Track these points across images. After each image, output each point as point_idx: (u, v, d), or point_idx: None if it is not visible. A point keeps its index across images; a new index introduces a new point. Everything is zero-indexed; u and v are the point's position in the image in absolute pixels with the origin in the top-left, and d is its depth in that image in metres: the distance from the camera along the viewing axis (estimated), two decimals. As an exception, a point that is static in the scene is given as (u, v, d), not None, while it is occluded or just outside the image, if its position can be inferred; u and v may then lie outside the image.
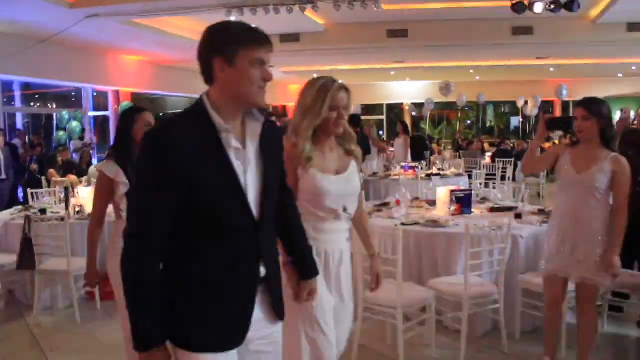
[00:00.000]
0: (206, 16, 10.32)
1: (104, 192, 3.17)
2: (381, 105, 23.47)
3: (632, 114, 12.59)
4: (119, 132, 3.30)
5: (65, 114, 11.67)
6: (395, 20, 11.86)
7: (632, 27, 11.67)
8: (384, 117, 23.74)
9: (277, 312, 1.90)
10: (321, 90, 2.52)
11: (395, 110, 23.39)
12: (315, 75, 13.32)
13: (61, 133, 11.11)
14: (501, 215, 4.70)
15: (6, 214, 5.83)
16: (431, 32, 12.17)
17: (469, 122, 23.36)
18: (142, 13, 9.63)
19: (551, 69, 17.47)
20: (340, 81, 2.57)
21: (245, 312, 1.79)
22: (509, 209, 5.02)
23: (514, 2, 8.92)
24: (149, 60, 14.56)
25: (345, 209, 2.57)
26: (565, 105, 21.44)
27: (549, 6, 8.63)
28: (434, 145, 15.39)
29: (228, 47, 1.72)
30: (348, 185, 2.60)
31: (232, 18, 9.38)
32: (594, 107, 3.29)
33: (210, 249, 1.73)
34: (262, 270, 1.82)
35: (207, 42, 1.78)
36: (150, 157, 1.69)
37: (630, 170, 3.28)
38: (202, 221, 1.72)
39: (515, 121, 23.34)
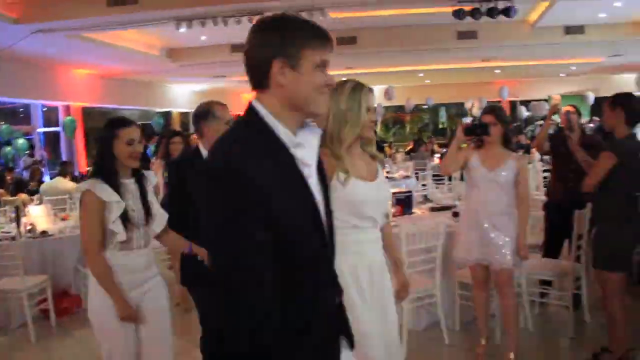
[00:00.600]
0: (154, 29, 10.41)
1: (98, 216, 2.73)
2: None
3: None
4: (98, 150, 2.91)
5: (4, 127, 11.50)
6: (344, 28, 12.15)
7: (569, 29, 12.24)
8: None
9: (350, 340, 1.69)
10: (354, 93, 2.46)
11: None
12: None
13: (8, 148, 10.95)
14: (440, 215, 4.98)
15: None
16: (379, 38, 12.52)
17: (419, 124, 23.85)
18: (90, 28, 9.63)
19: (497, 71, 18.07)
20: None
21: (334, 348, 1.59)
22: (448, 208, 5.30)
23: (455, 8, 9.32)
24: (99, 74, 14.45)
25: (387, 215, 2.67)
26: (513, 105, 22.17)
27: (487, 13, 9.01)
28: (387, 148, 15.71)
29: (292, 47, 1.47)
30: (382, 191, 2.62)
31: (182, 30, 9.49)
32: (499, 114, 3.77)
33: (291, 282, 1.45)
34: (337, 298, 1.65)
35: (263, 39, 1.50)
36: (234, 192, 1.37)
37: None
38: (283, 253, 1.43)
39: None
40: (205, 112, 3.19)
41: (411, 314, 4.26)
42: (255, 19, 9.31)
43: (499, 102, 20.60)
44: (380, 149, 12.65)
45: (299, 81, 1.48)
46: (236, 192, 1.36)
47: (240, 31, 10.26)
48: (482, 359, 3.88)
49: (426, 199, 6.05)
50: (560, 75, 19.92)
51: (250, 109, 1.52)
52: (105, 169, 2.81)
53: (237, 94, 21.68)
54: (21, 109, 15.08)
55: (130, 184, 2.88)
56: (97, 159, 2.94)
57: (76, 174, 11.82)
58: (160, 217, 2.98)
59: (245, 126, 1.52)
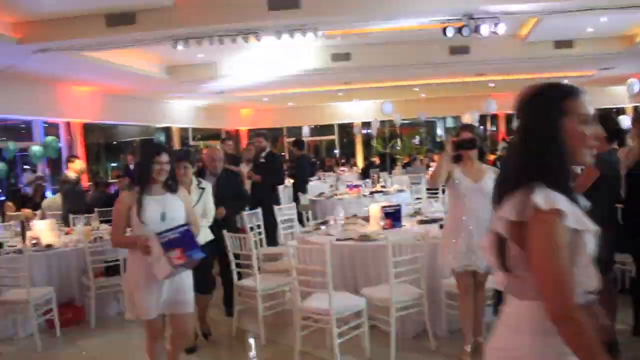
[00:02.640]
0: (153, 47, 10.69)
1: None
2: (332, 125, 24.04)
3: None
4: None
5: (10, 144, 11.75)
6: (339, 45, 12.46)
7: (559, 44, 12.56)
8: (335, 137, 24.30)
9: None
10: None
11: (347, 129, 23.97)
12: (265, 100, 13.88)
13: (1, 165, 11.24)
14: (428, 227, 5.20)
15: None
16: (372, 54, 12.82)
17: (417, 138, 24.02)
18: (91, 47, 9.90)
19: (491, 84, 18.35)
20: None
21: None
22: (435, 220, 5.52)
23: (444, 26, 9.60)
24: (99, 91, 14.71)
25: None
26: (508, 118, 22.45)
27: (476, 30, 9.28)
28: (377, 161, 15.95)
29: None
30: None
31: (179, 48, 9.76)
32: (475, 129, 4.19)
33: None
34: None
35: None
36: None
37: None
38: None
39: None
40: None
41: (399, 322, 4.46)
42: (251, 37, 9.65)
43: (494, 115, 20.95)
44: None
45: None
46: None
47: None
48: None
49: (416, 212, 6.27)
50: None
51: None
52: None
53: (237, 109, 21.98)
54: (22, 125, 15.31)
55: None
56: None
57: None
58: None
59: None
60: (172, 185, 3.80)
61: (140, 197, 3.65)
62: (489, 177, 4.02)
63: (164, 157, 3.70)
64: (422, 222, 5.60)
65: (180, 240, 3.51)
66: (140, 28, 9.05)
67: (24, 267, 4.98)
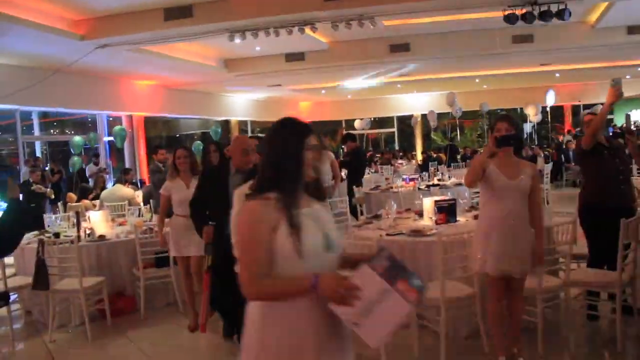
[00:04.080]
0: (211, 40, 10.76)
1: None
2: (392, 117, 23.70)
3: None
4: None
5: (78, 139, 12.14)
6: (397, 35, 12.16)
7: (632, 29, 11.82)
8: (394, 129, 23.96)
9: None
10: None
11: (406, 121, 23.59)
12: (323, 92, 13.90)
13: (75, 158, 11.58)
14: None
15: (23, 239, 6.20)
16: (432, 45, 12.44)
17: (478, 131, 23.35)
18: (150, 41, 10.07)
19: (557, 75, 17.58)
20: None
21: None
22: (492, 216, 5.22)
23: (506, 13, 9.17)
24: (160, 84, 15.04)
25: None
26: (575, 109, 21.49)
27: (540, 16, 8.82)
28: (442, 155, 15.57)
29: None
30: None
31: (237, 41, 9.77)
32: (515, 121, 3.78)
33: None
34: None
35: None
36: None
37: None
38: None
39: (527, 128, 23.34)
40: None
41: (450, 322, 4.24)
42: (307, 28, 9.54)
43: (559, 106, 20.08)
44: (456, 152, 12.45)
45: None
46: None
47: (295, 41, 10.60)
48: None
49: (473, 207, 5.98)
50: (627, 77, 19.17)
51: None
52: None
53: (295, 102, 22.01)
54: (89, 119, 15.86)
55: None
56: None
57: (136, 180, 12.31)
58: None
59: None
60: (319, 189, 2.22)
61: (291, 212, 1.99)
62: (526, 173, 3.69)
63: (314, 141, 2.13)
64: (477, 217, 5.31)
65: (395, 266, 1.97)
66: (198, 21, 9.13)
67: (75, 257, 5.05)
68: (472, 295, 4.15)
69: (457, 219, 5.20)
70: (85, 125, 16.48)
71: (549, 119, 20.85)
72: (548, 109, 20.15)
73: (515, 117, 3.88)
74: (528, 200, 3.70)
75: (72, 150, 12.11)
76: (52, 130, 16.11)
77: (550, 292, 4.29)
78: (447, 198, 5.48)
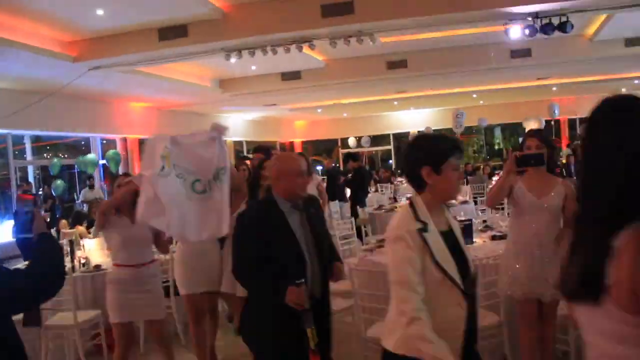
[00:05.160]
0: (206, 60, 10.56)
1: None
2: (388, 135, 23.53)
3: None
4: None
5: (56, 161, 11.86)
6: (394, 52, 12.03)
7: (630, 42, 11.74)
8: (391, 147, 23.78)
9: None
10: None
11: (402, 139, 23.43)
12: (319, 111, 13.68)
13: (59, 182, 11.31)
14: (502, 244, 4.66)
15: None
16: (430, 61, 12.32)
17: (474, 146, 23.26)
18: (143, 62, 9.87)
19: (554, 88, 17.51)
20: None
21: None
22: (510, 236, 4.98)
23: (506, 27, 9.04)
24: (154, 106, 14.83)
25: None
26: (572, 122, 21.39)
27: (542, 29, 8.68)
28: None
29: None
30: None
31: (232, 61, 9.57)
32: (544, 137, 3.58)
33: None
34: None
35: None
36: None
37: None
38: None
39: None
40: None
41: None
42: (305, 46, 9.35)
43: (556, 120, 19.99)
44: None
45: None
46: None
47: (290, 60, 10.42)
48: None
49: (486, 226, 5.73)
50: (622, 89, 19.14)
51: None
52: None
53: (290, 121, 21.84)
54: (82, 142, 15.61)
55: None
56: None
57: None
58: None
59: None
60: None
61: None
62: (558, 192, 3.45)
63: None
64: (494, 237, 5.06)
65: None
66: (193, 40, 8.94)
67: (69, 289, 4.75)
68: (498, 324, 3.88)
69: (474, 240, 4.95)
70: (78, 148, 16.22)
71: (553, 133, 20.68)
72: (553, 122, 20.02)
73: (544, 133, 3.67)
74: (562, 220, 3.44)
75: (50, 171, 11.80)
76: (45, 154, 15.83)
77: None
78: (462, 219, 5.22)
